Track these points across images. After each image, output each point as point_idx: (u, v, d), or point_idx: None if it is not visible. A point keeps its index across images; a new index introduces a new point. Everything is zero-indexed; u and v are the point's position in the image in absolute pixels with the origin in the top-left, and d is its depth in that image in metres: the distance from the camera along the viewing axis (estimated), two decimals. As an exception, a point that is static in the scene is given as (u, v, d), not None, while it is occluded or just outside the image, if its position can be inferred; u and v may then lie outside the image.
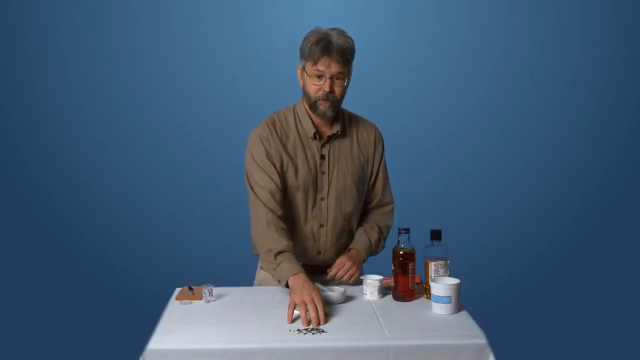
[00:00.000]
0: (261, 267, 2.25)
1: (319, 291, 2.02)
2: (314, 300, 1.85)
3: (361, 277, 2.13)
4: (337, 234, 2.24)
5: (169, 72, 3.73)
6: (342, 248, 2.27)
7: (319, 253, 2.24)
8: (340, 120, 2.19)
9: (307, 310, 1.84)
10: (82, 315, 3.53)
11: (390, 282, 2.08)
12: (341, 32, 2.07)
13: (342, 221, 2.23)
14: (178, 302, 2.05)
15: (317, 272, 2.23)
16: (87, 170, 3.75)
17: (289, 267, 1.99)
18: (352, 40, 2.08)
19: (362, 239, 2.26)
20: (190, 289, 2.13)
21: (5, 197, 3.71)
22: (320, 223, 2.21)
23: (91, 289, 3.65)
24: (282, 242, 2.04)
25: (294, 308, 1.86)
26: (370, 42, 3.59)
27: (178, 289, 2.16)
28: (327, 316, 1.88)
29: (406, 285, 2.03)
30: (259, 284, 2.30)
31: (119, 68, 3.71)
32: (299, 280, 1.94)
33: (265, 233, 2.06)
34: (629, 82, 3.78)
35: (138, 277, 3.65)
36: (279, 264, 2.01)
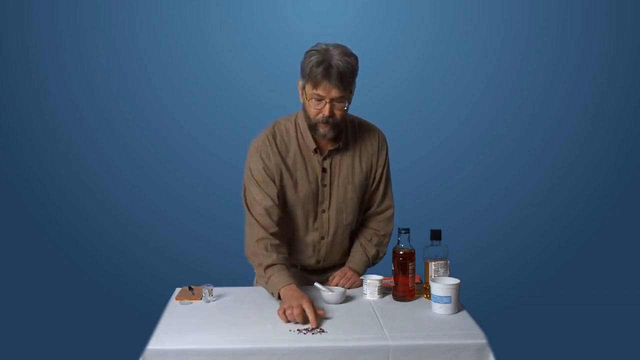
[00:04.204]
0: (255, 281, 2.25)
1: (317, 290, 2.05)
2: (301, 306, 1.85)
3: (361, 277, 2.13)
4: (337, 244, 2.23)
5: (169, 72, 3.73)
6: (340, 255, 2.27)
7: (319, 262, 2.25)
8: (342, 133, 2.16)
9: (303, 314, 1.84)
10: (83, 315, 3.53)
11: (390, 282, 2.08)
12: (342, 51, 1.98)
13: (342, 231, 2.22)
14: (178, 302, 2.06)
15: (314, 272, 2.25)
16: (87, 171, 3.75)
17: (279, 279, 1.98)
18: (355, 58, 2.01)
19: (358, 256, 2.24)
20: (190, 289, 2.13)
21: (5, 197, 3.71)
22: (322, 235, 2.20)
23: (91, 289, 3.65)
24: (272, 256, 2.02)
25: (284, 312, 1.86)
26: (370, 42, 3.61)
27: (178, 289, 2.16)
28: (324, 317, 1.88)
29: (406, 285, 2.03)
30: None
31: (119, 68, 3.71)
32: (289, 291, 1.94)
33: (255, 250, 2.05)
34: (629, 82, 3.78)
35: (138, 277, 3.65)
36: (269, 277, 2.01)
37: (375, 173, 2.23)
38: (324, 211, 2.18)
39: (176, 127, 3.76)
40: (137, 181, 3.75)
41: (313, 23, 3.62)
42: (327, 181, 2.16)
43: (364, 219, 2.29)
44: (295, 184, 2.13)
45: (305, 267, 2.25)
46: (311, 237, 2.20)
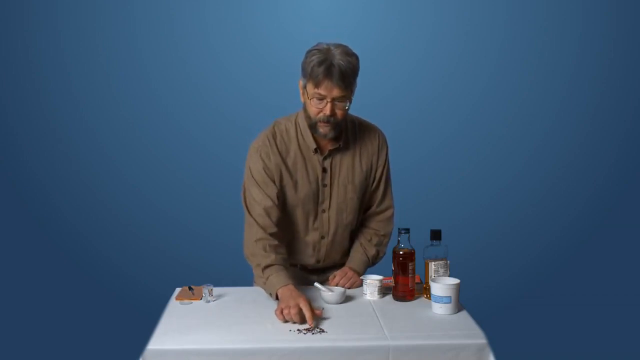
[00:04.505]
0: (254, 282, 2.25)
1: (318, 290, 2.05)
2: (298, 305, 1.85)
3: (361, 277, 2.13)
4: (337, 243, 2.24)
5: (169, 72, 3.73)
6: (340, 254, 2.27)
7: (318, 262, 2.25)
8: (342, 133, 2.15)
9: (300, 313, 1.84)
10: (83, 315, 3.53)
11: (390, 282, 2.08)
12: (344, 51, 1.99)
13: (342, 231, 2.22)
14: (178, 302, 2.06)
15: (314, 272, 2.25)
16: (87, 171, 3.75)
17: (277, 280, 1.98)
18: (356, 58, 2.02)
19: (358, 256, 2.24)
20: (190, 289, 2.14)
21: (5, 197, 3.71)
22: (322, 235, 2.20)
23: (91, 289, 3.65)
24: (270, 257, 2.02)
25: (281, 312, 1.86)
26: (370, 42, 3.61)
27: (178, 289, 2.16)
28: (321, 317, 1.88)
29: (406, 285, 2.03)
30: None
31: (119, 68, 3.71)
32: (286, 291, 1.93)
33: (254, 250, 2.05)
34: (629, 82, 3.78)
35: (138, 278, 3.65)
36: (267, 278, 2.01)
37: (375, 173, 2.23)
38: (324, 211, 2.18)
39: (176, 127, 3.76)
40: (137, 181, 3.75)
41: (313, 23, 3.61)
42: (327, 181, 2.16)
43: (364, 218, 2.29)
44: (296, 184, 2.13)
45: (305, 267, 2.25)
46: (311, 237, 2.20)
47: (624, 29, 3.75)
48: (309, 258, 2.23)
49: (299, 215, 2.16)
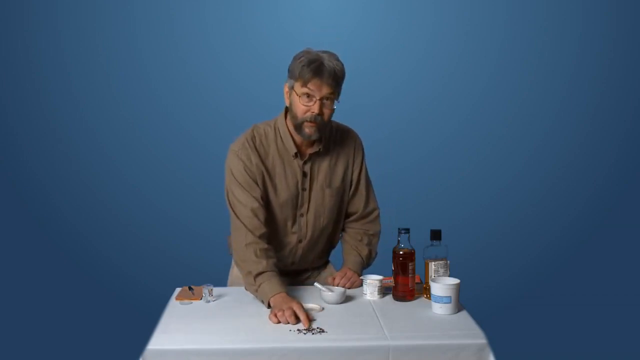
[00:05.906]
0: (245, 289, 2.25)
1: (318, 290, 2.05)
2: (291, 308, 1.85)
3: (361, 277, 2.13)
4: (314, 246, 2.24)
5: (169, 72, 3.73)
6: (315, 257, 2.28)
7: (293, 263, 2.25)
8: (323, 137, 2.16)
9: (295, 315, 1.84)
10: (83, 315, 3.53)
11: (390, 282, 2.08)
12: (332, 55, 2.04)
13: (319, 235, 2.23)
14: (178, 302, 2.06)
15: (288, 274, 2.24)
16: (87, 171, 3.75)
17: (270, 287, 1.97)
18: (343, 65, 2.05)
19: (352, 258, 2.25)
20: (190, 289, 2.14)
21: (5, 197, 3.71)
22: (299, 238, 2.21)
23: (91, 289, 3.65)
24: (262, 263, 2.01)
25: (275, 316, 1.86)
26: (370, 42, 3.61)
27: (178, 289, 2.16)
28: (324, 317, 1.88)
29: (406, 285, 2.03)
30: (232, 284, 2.31)
31: (119, 68, 3.71)
32: (279, 298, 1.93)
33: (245, 256, 2.04)
34: (629, 82, 3.78)
35: (138, 278, 3.65)
36: (259, 285, 1.99)
37: (352, 175, 2.24)
38: (302, 215, 2.19)
39: (176, 127, 3.76)
40: (137, 181, 3.75)
41: (313, 23, 3.62)
42: (307, 185, 2.17)
43: (350, 222, 2.29)
44: (275, 187, 2.14)
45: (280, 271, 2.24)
46: (289, 240, 2.20)
47: (624, 29, 3.75)
48: (284, 259, 2.22)
49: (277, 219, 2.16)
